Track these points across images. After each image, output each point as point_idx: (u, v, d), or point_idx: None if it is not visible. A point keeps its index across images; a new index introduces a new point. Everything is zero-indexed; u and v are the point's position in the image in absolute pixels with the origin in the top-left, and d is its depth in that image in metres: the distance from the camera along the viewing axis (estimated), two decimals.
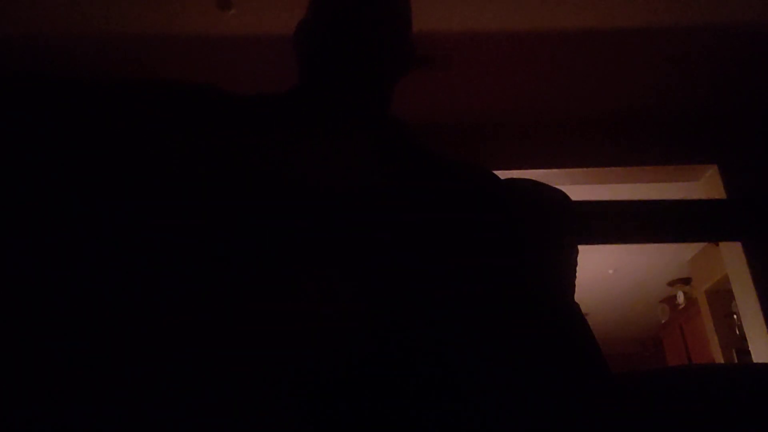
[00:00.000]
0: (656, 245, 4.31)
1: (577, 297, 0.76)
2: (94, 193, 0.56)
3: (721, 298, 4.79)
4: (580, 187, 3.15)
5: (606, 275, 4.89)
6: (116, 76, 0.68)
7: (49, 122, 0.59)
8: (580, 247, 0.82)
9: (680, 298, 5.49)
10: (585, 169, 3.01)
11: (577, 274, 0.80)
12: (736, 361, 4.53)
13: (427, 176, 0.72)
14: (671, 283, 5.32)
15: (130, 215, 0.56)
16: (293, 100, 0.77)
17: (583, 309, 0.70)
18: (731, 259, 2.91)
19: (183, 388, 0.48)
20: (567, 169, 3.00)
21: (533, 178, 0.83)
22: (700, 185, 3.12)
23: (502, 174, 0.80)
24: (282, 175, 0.60)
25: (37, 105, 0.60)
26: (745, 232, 1.23)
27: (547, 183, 0.83)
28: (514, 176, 0.84)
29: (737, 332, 4.57)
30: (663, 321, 5.97)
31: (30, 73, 0.65)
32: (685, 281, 5.24)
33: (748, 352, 2.96)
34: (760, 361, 2.78)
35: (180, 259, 0.54)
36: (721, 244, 3.04)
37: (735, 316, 4.57)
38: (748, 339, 2.91)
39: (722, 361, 4.57)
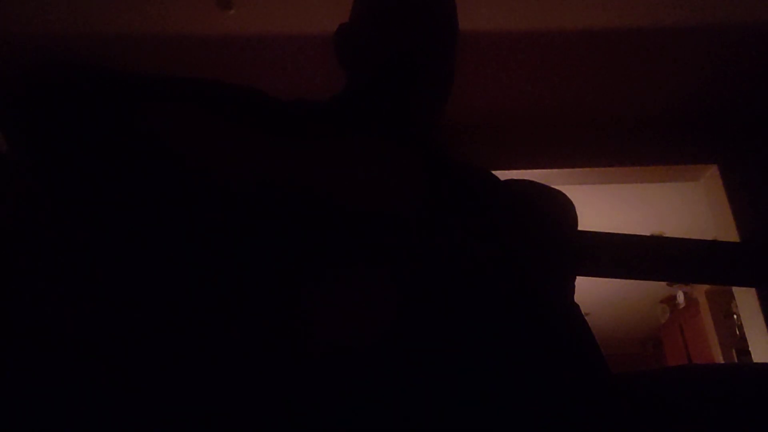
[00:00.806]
0: None
1: (577, 297, 0.75)
2: (121, 192, 0.56)
3: (721, 298, 4.80)
4: (580, 187, 3.15)
5: None
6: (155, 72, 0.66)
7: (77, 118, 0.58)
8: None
9: (680, 298, 5.50)
10: (585, 169, 3.01)
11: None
12: (736, 361, 4.53)
13: (469, 194, 0.71)
14: (671, 283, 5.32)
15: (174, 215, 0.55)
16: (344, 109, 0.74)
17: (583, 309, 0.70)
18: None
19: (203, 388, 0.48)
20: (567, 169, 3.00)
21: (533, 179, 0.83)
22: (700, 185, 3.12)
23: (502, 174, 0.80)
24: (327, 188, 0.58)
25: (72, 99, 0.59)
26: (761, 278, 1.21)
27: (547, 183, 0.83)
28: (514, 176, 0.84)
29: (737, 332, 4.57)
30: (663, 321, 5.97)
31: (62, 65, 0.64)
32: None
33: (748, 352, 2.96)
34: (760, 361, 2.78)
35: (213, 261, 0.53)
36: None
37: (735, 316, 4.58)
38: (748, 339, 2.91)
39: (722, 361, 4.57)
